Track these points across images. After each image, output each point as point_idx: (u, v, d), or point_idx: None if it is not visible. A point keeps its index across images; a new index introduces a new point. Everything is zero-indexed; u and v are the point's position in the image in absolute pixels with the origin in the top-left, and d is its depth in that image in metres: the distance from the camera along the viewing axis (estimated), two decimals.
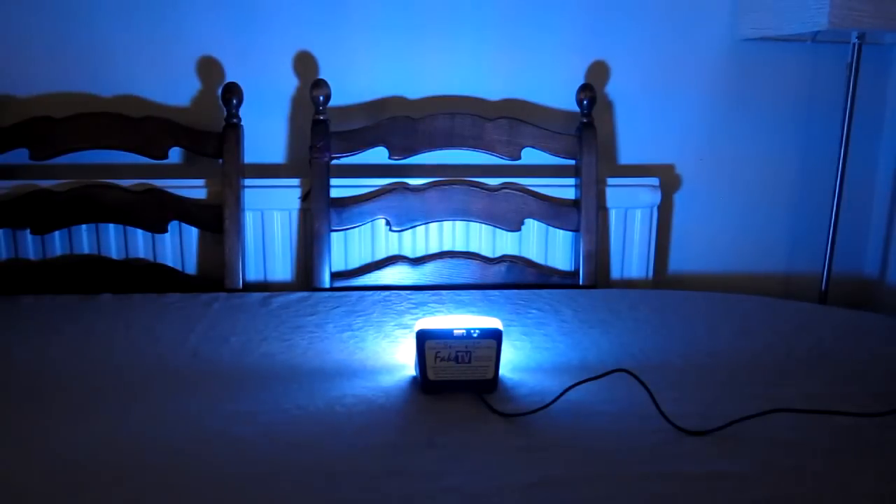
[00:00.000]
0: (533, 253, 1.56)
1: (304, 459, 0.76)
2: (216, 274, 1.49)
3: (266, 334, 1.13)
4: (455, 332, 0.89)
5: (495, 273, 1.51)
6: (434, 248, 1.55)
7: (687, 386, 0.95)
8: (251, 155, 1.57)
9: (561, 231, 1.54)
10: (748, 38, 1.59)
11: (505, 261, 1.52)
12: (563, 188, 1.54)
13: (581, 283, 1.50)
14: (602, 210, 1.56)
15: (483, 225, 1.53)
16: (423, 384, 0.91)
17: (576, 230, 1.51)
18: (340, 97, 1.57)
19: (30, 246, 1.47)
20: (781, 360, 1.04)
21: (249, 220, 1.50)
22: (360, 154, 1.50)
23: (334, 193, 1.48)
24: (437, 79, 1.58)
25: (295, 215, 1.51)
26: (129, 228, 1.48)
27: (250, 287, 1.52)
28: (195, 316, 1.21)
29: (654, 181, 1.58)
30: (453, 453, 0.78)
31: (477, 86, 1.59)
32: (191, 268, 1.51)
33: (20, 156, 1.45)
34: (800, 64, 1.64)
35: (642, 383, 0.90)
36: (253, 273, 1.52)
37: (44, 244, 1.47)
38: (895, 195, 1.67)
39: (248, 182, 1.48)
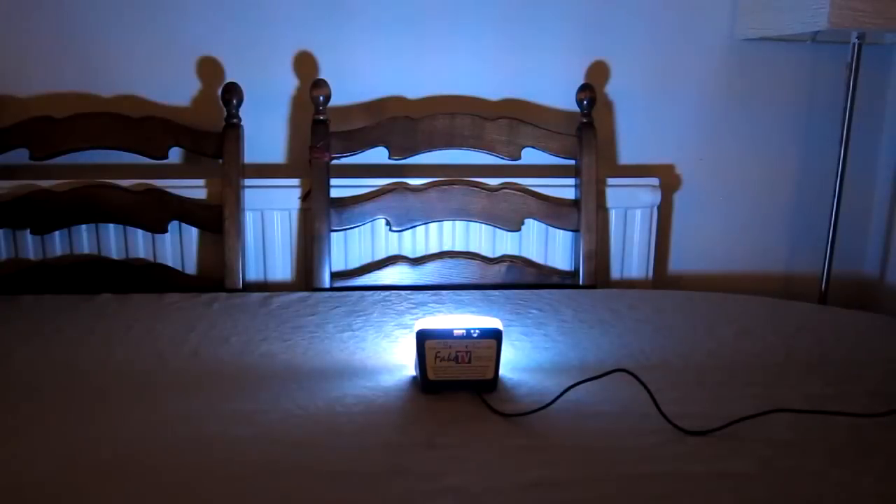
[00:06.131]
0: (533, 253, 1.56)
1: (304, 459, 0.76)
2: (216, 274, 1.49)
3: (266, 334, 1.13)
4: (455, 332, 0.89)
5: (495, 273, 1.51)
6: (434, 248, 1.55)
7: (687, 386, 0.95)
8: (251, 155, 1.57)
9: (561, 231, 1.54)
10: (748, 38, 1.59)
11: (505, 261, 1.52)
12: (563, 188, 1.54)
13: (581, 283, 1.50)
14: (602, 210, 1.56)
15: (483, 225, 1.53)
16: (423, 384, 0.91)
17: (576, 230, 1.51)
18: (340, 97, 1.57)
19: (30, 246, 1.47)
20: (781, 360, 1.04)
21: (249, 220, 1.50)
22: (360, 154, 1.50)
23: (334, 193, 1.48)
24: (437, 79, 1.58)
25: (295, 215, 1.51)
26: (129, 228, 1.48)
27: (250, 287, 1.52)
28: (195, 316, 1.21)
29: (654, 181, 1.58)
30: (453, 453, 0.78)
31: (477, 86, 1.59)
32: (191, 268, 1.51)
33: (20, 156, 1.45)
34: (800, 64, 1.64)
35: (642, 383, 0.90)
36: (253, 273, 1.52)
37: (44, 244, 1.47)
38: (895, 195, 1.67)
39: (248, 182, 1.48)
